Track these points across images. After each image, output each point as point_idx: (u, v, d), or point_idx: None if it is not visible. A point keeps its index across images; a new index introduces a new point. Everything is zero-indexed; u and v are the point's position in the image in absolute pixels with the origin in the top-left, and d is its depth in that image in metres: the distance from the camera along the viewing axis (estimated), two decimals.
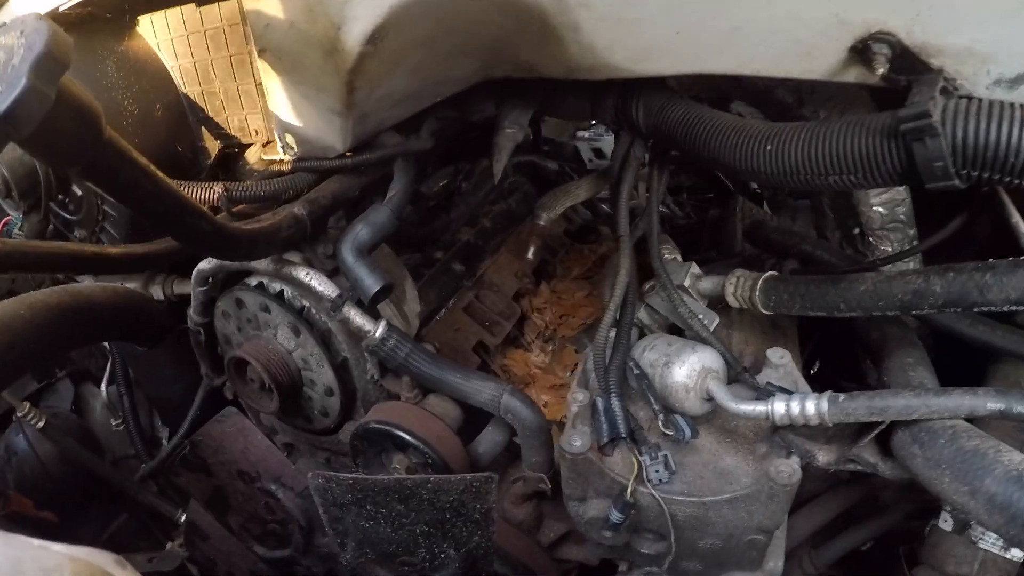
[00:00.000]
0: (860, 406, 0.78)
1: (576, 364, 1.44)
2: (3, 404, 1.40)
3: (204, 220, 0.78)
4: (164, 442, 1.51)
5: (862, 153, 0.65)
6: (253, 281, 1.04)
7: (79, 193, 1.16)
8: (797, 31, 0.64)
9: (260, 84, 0.98)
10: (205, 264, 1.03)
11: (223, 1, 0.97)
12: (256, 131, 1.04)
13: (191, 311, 1.13)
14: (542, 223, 1.43)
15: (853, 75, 0.65)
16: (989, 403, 0.76)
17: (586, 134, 1.78)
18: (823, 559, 1.18)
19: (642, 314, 1.08)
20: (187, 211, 0.74)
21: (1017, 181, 0.62)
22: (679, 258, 1.12)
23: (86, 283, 1.06)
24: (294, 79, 0.83)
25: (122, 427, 1.54)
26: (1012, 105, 0.60)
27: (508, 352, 1.43)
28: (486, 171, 1.51)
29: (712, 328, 0.98)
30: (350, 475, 0.77)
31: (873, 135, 0.64)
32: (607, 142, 1.78)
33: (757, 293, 0.98)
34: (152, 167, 0.69)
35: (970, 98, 0.64)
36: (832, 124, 0.68)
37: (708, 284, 1.08)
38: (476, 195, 1.47)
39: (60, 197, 1.18)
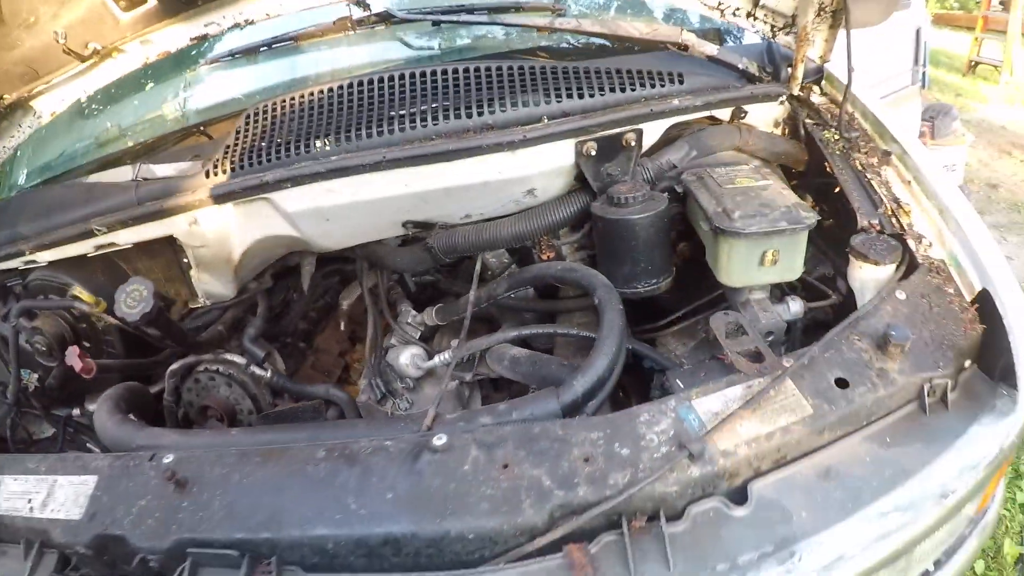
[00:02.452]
0: (461, 349, 2.11)
1: None
2: None
3: (189, 339, 2.07)
4: None
5: (421, 257, 2.05)
6: (201, 367, 2.29)
7: (87, 345, 2.38)
8: (381, 227, 2.02)
9: (186, 273, 2.28)
10: (175, 365, 2.28)
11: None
12: (188, 295, 2.33)
13: (165, 394, 2.35)
14: (344, 307, 2.77)
15: (407, 231, 2.04)
16: (510, 334, 2.13)
17: None
18: None
19: (394, 339, 2.42)
20: (184, 336, 2.04)
21: (463, 254, 2.02)
22: (408, 307, 2.46)
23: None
24: (212, 272, 2.11)
25: None
26: (454, 228, 2.01)
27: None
28: (311, 287, 2.82)
29: (417, 336, 2.34)
30: (271, 411, 2.05)
31: (422, 250, 2.04)
32: None
33: (434, 315, 2.33)
34: (173, 321, 1.97)
35: (452, 226, 2.04)
36: (412, 247, 2.09)
37: (419, 317, 2.40)
38: (303, 299, 2.75)
39: None
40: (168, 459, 1.51)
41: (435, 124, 1.83)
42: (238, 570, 1.28)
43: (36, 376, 2.18)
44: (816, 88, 2.19)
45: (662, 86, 1.96)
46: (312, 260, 2.45)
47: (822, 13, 1.97)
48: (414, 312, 2.41)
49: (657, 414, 1.35)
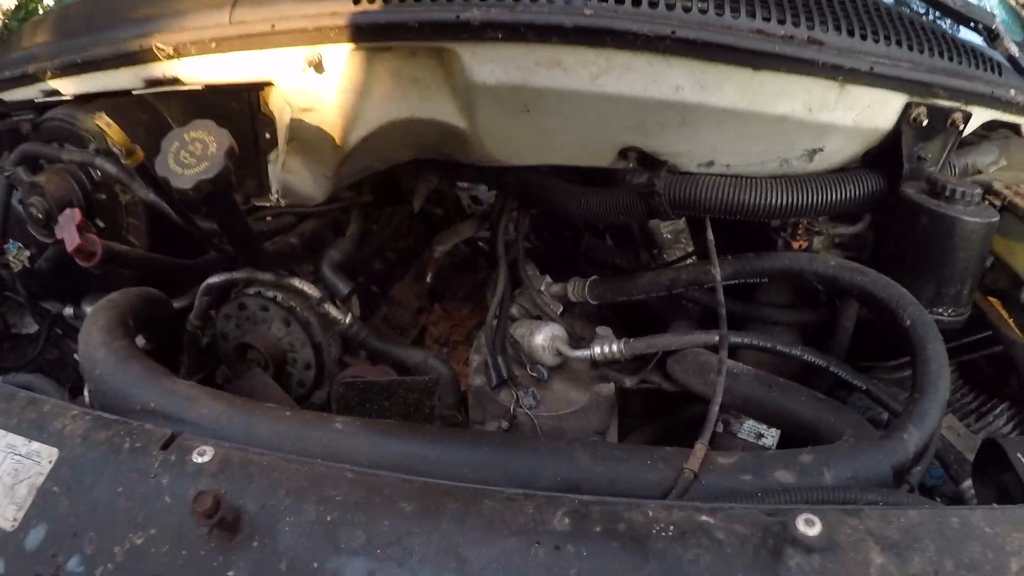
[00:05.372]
0: (642, 343, 1.48)
1: (466, 359, 2.12)
2: None
3: (258, 243, 1.42)
4: None
5: (627, 204, 1.40)
6: (251, 291, 1.64)
7: (101, 225, 1.69)
8: (589, 145, 1.37)
9: (263, 155, 1.61)
10: (215, 278, 1.62)
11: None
12: (252, 187, 1.67)
13: (192, 316, 1.69)
14: (437, 255, 2.12)
15: (621, 164, 1.41)
16: (715, 337, 1.52)
17: (465, 184, 2.49)
18: None
19: (514, 309, 1.79)
20: (251, 235, 1.38)
21: (708, 214, 1.39)
22: (537, 272, 1.85)
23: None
24: (307, 157, 1.45)
25: None
26: (702, 176, 1.38)
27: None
28: (388, 216, 2.17)
29: (559, 313, 1.71)
30: (361, 379, 1.39)
31: (632, 194, 1.40)
32: (482, 191, 2.51)
33: (586, 290, 1.72)
34: (241, 210, 1.32)
35: (684, 173, 1.42)
36: (612, 189, 1.45)
37: (556, 288, 1.76)
38: (383, 234, 2.13)
39: None
40: (204, 456, 0.91)
41: (747, 16, 1.21)
42: None
43: (27, 254, 1.73)
44: None
45: (987, 71, 1.46)
46: (434, 179, 1.80)
47: None
48: (549, 279, 1.77)
49: None
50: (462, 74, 1.23)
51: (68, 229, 1.17)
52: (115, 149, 1.24)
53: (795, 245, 1.48)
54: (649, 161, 1.39)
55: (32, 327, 2.03)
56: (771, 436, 1.61)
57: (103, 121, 1.17)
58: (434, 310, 2.19)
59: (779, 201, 1.33)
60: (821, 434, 1.24)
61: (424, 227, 2.34)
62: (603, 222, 1.62)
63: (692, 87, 1.21)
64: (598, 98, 1.22)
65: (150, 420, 0.97)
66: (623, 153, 1.38)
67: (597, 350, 1.52)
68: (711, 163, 1.40)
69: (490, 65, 1.21)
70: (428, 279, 2.12)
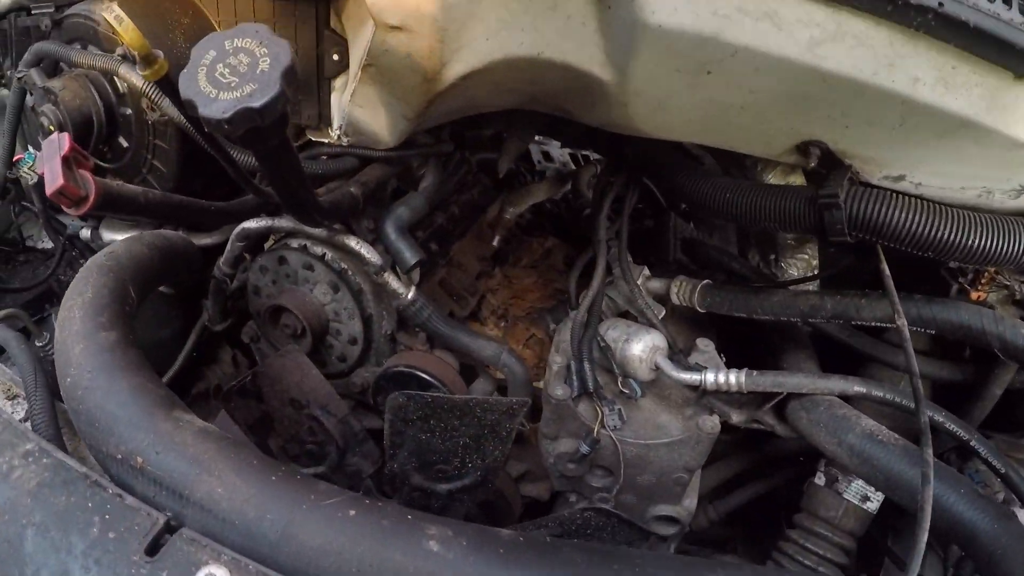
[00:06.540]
0: (767, 380, 1.20)
1: (527, 339, 1.83)
2: None
3: (310, 192, 1.10)
4: None
5: (790, 211, 1.08)
6: (295, 243, 1.35)
7: (124, 145, 1.42)
8: (767, 130, 1.05)
9: (327, 79, 1.29)
10: (253, 223, 1.33)
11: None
12: (309, 116, 1.35)
13: (221, 262, 1.41)
14: (508, 217, 1.82)
15: (794, 159, 1.08)
16: (855, 387, 1.20)
17: (538, 138, 2.16)
18: (721, 509, 1.64)
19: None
20: (304, 182, 1.06)
21: (889, 243, 1.07)
22: (632, 261, 1.54)
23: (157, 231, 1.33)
24: (385, 89, 1.13)
25: None
26: (892, 193, 1.05)
27: (469, 324, 1.79)
28: (457, 164, 1.86)
29: (660, 317, 1.41)
30: (429, 394, 1.11)
31: (799, 200, 1.07)
32: (555, 146, 2.18)
33: (696, 295, 1.41)
34: (294, 148, 0.99)
35: (867, 185, 1.09)
36: (774, 188, 1.12)
37: (655, 284, 1.49)
38: (448, 184, 1.82)
39: (101, 147, 1.44)
40: None
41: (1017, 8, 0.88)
42: None
43: None
44: None
45: None
46: (530, 135, 1.48)
47: None
48: (646, 271, 1.47)
49: None
50: (629, 7, 0.90)
51: (51, 163, 0.84)
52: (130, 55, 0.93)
53: (973, 295, 1.17)
54: (830, 162, 1.06)
55: (48, 241, 1.86)
56: (877, 500, 1.42)
57: (113, 15, 0.84)
58: (494, 275, 1.89)
59: (985, 244, 1.00)
60: (978, 540, 1.00)
61: (489, 179, 2.02)
62: (751, 225, 1.30)
63: (933, 83, 0.88)
64: (809, 72, 0.89)
65: (135, 481, 0.68)
66: (803, 147, 1.05)
67: (710, 378, 1.23)
68: (901, 177, 1.07)
69: (675, 1, 0.87)
70: (495, 243, 1.82)
